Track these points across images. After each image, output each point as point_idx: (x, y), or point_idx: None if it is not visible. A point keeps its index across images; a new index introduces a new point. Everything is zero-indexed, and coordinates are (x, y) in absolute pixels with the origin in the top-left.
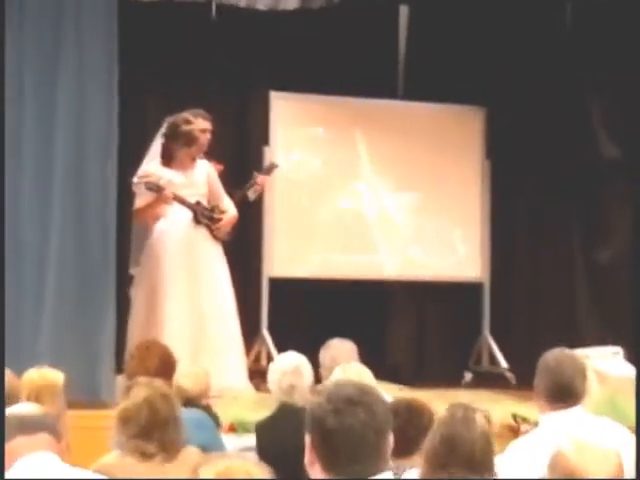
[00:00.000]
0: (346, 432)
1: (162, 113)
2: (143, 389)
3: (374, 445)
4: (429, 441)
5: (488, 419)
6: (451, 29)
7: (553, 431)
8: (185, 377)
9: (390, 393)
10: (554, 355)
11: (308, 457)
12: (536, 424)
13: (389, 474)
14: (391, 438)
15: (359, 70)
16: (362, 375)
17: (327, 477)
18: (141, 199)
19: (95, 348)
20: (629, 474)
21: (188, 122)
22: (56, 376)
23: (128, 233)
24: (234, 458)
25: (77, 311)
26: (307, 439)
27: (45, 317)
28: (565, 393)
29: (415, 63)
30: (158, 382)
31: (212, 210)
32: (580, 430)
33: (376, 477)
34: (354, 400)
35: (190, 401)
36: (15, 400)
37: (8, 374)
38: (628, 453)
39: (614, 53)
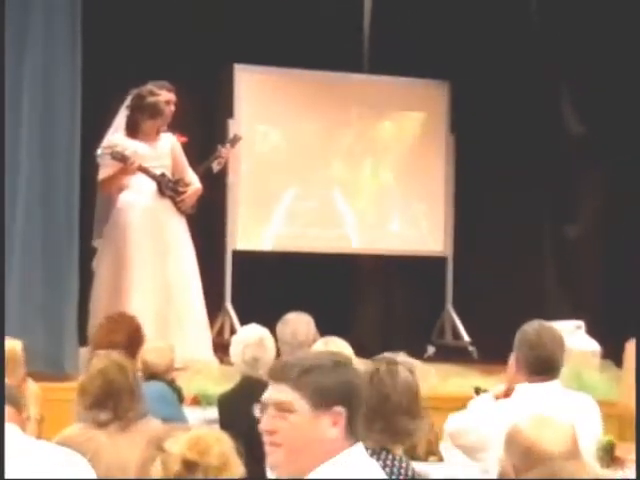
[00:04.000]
0: None
1: (126, 85)
2: (100, 360)
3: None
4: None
5: (411, 370)
6: (416, 2)
7: (529, 401)
8: (151, 352)
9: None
10: (534, 328)
11: None
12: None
13: (360, 445)
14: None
15: (324, 43)
16: (343, 349)
17: None
18: (105, 170)
19: (59, 321)
20: (593, 447)
21: (153, 94)
22: (14, 345)
23: (92, 205)
24: (198, 429)
25: (41, 284)
26: None
27: (9, 290)
28: (546, 367)
29: (380, 36)
30: (115, 353)
31: (176, 182)
32: (555, 404)
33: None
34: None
35: (156, 376)
36: None
37: None
38: (599, 428)
39: (581, 27)
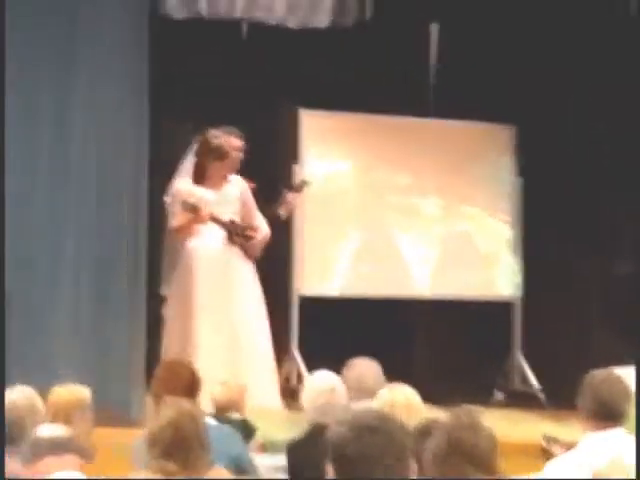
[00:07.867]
0: (365, 459)
1: (193, 132)
2: (169, 409)
3: (394, 472)
4: (435, 447)
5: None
6: (481, 46)
7: (593, 452)
8: (216, 386)
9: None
10: (600, 375)
11: None
12: (567, 445)
13: None
14: (414, 464)
15: (390, 88)
16: (409, 396)
17: None
18: (175, 218)
19: (126, 366)
20: None
21: (218, 137)
22: (83, 392)
23: (159, 251)
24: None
25: (109, 329)
26: (329, 469)
27: (78, 335)
28: (609, 414)
29: (446, 80)
30: (185, 402)
31: (245, 228)
32: (619, 452)
33: None
34: (372, 427)
35: (221, 410)
36: (41, 418)
37: (32, 393)
38: None
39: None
